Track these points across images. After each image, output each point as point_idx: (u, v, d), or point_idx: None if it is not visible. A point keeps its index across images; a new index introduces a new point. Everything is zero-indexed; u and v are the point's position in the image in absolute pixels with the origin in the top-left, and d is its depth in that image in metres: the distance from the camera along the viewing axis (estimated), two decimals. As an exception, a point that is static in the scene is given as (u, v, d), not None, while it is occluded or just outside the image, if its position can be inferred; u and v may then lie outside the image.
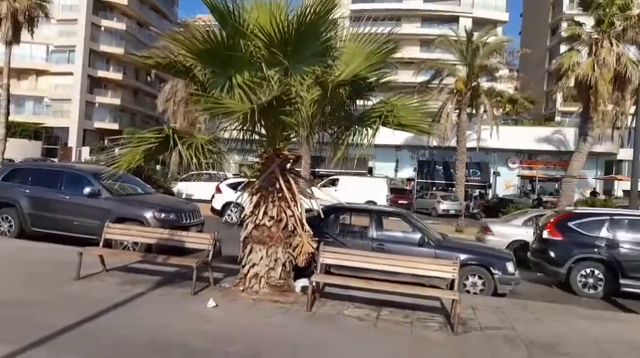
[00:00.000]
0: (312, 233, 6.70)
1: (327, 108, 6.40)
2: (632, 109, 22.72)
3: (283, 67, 6.03)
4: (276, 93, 5.45)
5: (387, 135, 10.24)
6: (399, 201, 26.12)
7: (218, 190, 17.59)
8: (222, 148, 6.86)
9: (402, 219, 8.93)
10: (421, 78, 30.50)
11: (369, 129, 6.47)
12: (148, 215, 9.53)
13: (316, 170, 33.03)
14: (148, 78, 51.47)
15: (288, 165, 7.08)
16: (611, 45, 19.37)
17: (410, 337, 5.35)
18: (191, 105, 6.84)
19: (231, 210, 15.83)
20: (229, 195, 16.25)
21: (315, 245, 6.52)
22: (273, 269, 6.59)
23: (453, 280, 6.01)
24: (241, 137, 6.63)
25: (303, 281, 6.82)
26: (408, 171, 38.64)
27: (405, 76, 34.11)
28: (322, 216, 7.48)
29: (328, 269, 7.63)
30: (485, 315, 6.32)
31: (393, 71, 6.76)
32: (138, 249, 8.87)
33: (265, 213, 6.68)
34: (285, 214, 6.68)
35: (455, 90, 28.29)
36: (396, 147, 36.62)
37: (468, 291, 7.81)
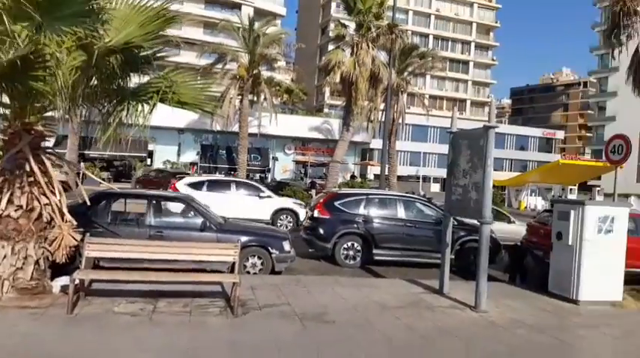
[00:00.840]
0: (75, 223, 5.81)
1: (94, 78, 5.57)
2: (382, 106, 27.11)
3: (35, 22, 4.94)
4: (23, 52, 4.44)
5: (168, 117, 9.61)
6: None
7: (174, 189, 14.51)
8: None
9: (183, 204, 8.56)
10: (204, 61, 29.97)
11: (145, 105, 5.89)
12: None
13: (86, 152, 29.33)
14: None
15: (45, 144, 5.97)
16: (368, 47, 22.52)
17: (188, 326, 5.14)
18: None
19: None
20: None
21: (78, 237, 5.67)
22: (21, 269, 5.49)
23: (233, 263, 6.02)
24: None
25: (63, 280, 5.86)
26: (191, 155, 37.72)
27: (188, 57, 33.07)
28: (89, 204, 6.56)
29: (97, 263, 6.77)
30: (264, 294, 6.56)
31: (175, 49, 6.33)
32: None
33: (11, 201, 5.52)
34: (39, 202, 5.64)
35: (238, 77, 28.68)
36: (178, 130, 35.32)
37: (249, 272, 7.99)
